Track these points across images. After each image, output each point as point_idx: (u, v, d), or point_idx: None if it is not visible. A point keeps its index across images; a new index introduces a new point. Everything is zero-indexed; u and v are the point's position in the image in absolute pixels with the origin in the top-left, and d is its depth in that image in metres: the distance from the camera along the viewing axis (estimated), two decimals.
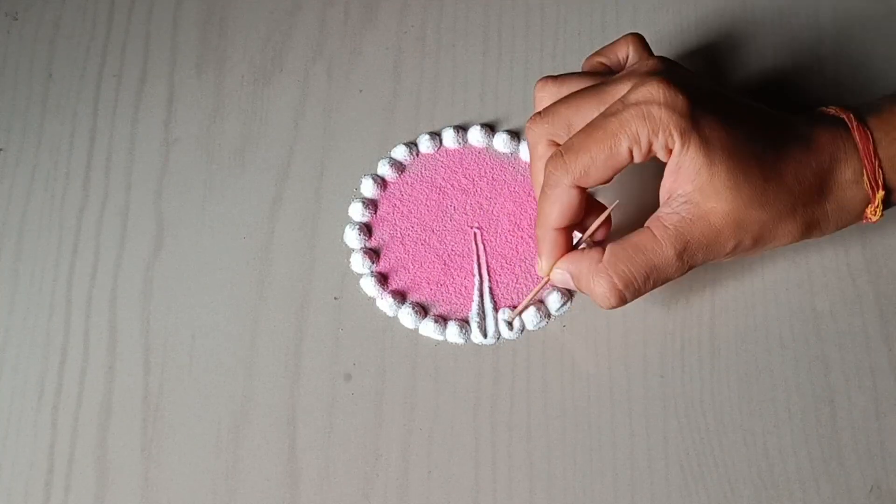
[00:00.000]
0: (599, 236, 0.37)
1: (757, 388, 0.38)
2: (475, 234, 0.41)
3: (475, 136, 0.43)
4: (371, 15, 0.45)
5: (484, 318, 0.39)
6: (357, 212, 0.41)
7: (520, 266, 0.41)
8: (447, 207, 0.42)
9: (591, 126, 0.34)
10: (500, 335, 0.39)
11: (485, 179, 0.42)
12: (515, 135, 0.43)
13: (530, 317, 0.39)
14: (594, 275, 0.34)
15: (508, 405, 0.38)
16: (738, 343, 0.39)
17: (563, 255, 0.36)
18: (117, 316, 0.40)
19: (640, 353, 0.39)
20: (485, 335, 0.39)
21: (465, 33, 0.45)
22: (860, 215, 0.36)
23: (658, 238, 0.34)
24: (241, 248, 0.41)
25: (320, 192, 0.42)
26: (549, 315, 0.39)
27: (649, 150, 0.33)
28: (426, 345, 0.39)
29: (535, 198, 0.41)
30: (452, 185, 0.42)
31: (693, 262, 0.34)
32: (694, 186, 0.33)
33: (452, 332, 0.39)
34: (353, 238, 0.41)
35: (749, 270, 0.40)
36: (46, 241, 0.41)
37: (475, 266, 0.41)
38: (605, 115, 0.33)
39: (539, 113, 0.36)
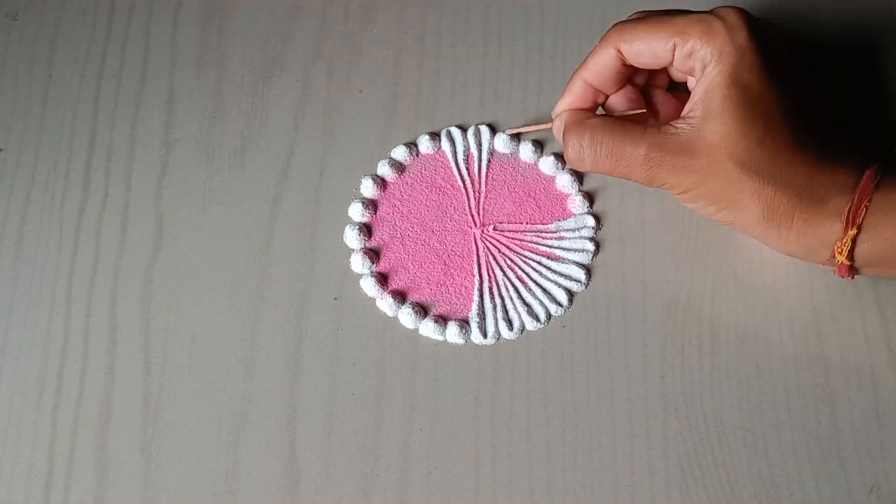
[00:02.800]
0: None
1: (757, 388, 0.38)
2: (475, 234, 0.41)
3: (475, 136, 0.43)
4: (371, 15, 0.45)
5: (484, 319, 0.39)
6: (357, 212, 0.41)
7: (521, 265, 0.41)
8: (447, 207, 0.42)
9: (660, 15, 0.36)
10: (500, 335, 0.39)
11: (485, 180, 0.42)
12: (515, 135, 0.43)
13: (529, 317, 0.39)
14: (576, 128, 0.36)
15: (508, 405, 0.38)
16: (738, 343, 0.39)
17: (576, 105, 0.38)
18: (117, 316, 0.40)
19: (640, 353, 0.39)
20: (485, 335, 0.39)
21: (465, 33, 0.45)
22: (827, 247, 0.34)
23: (644, 132, 0.35)
24: (241, 248, 0.41)
25: (320, 193, 0.42)
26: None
27: (689, 55, 0.35)
28: (426, 345, 0.39)
29: (534, 198, 0.42)
30: (452, 185, 0.42)
31: (656, 174, 0.35)
32: (703, 111, 0.34)
33: (452, 333, 0.39)
34: (353, 238, 0.41)
35: (749, 270, 0.40)
36: (46, 241, 0.41)
37: (475, 266, 0.41)
38: (677, 13, 0.36)
39: (624, 21, 0.37)
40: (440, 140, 0.43)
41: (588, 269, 0.40)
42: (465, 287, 0.40)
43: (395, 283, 0.40)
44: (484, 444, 0.37)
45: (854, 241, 0.34)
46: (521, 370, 0.39)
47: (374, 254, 0.41)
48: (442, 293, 0.40)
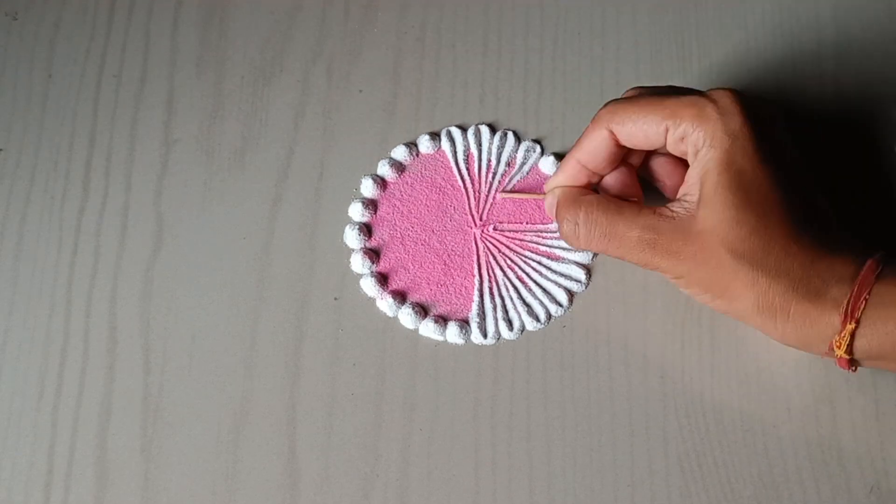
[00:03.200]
0: None
1: (757, 388, 0.38)
2: (475, 233, 0.41)
3: (475, 136, 0.43)
4: (371, 15, 0.45)
5: (484, 319, 0.39)
6: (357, 212, 0.41)
7: (521, 265, 0.41)
8: (447, 207, 0.42)
9: (652, 95, 0.35)
10: (500, 335, 0.39)
11: (485, 179, 0.42)
12: (516, 135, 0.43)
13: (529, 317, 0.39)
14: (570, 206, 0.36)
15: (508, 405, 0.38)
16: (738, 343, 0.39)
17: (569, 183, 0.37)
18: (117, 316, 0.40)
19: (641, 353, 0.39)
20: (485, 335, 0.39)
21: (465, 33, 0.45)
22: (825, 340, 0.33)
23: (638, 214, 0.34)
24: (241, 248, 0.41)
25: (320, 192, 0.42)
26: (549, 317, 0.40)
27: (682, 139, 0.34)
28: (426, 345, 0.39)
29: (534, 198, 0.42)
30: (452, 185, 0.42)
31: (649, 258, 0.34)
32: (698, 195, 0.33)
33: (452, 333, 0.39)
34: (353, 238, 0.41)
35: None
36: (46, 241, 0.41)
37: (475, 266, 0.41)
38: (670, 93, 0.35)
39: (616, 101, 0.36)
40: (440, 140, 0.43)
41: (588, 269, 0.40)
42: (465, 287, 0.40)
43: (395, 283, 0.40)
44: (484, 444, 0.37)
45: (853, 335, 0.32)
46: (521, 370, 0.39)
47: (374, 254, 0.41)
48: (442, 293, 0.40)
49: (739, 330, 0.39)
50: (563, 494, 0.37)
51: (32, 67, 0.45)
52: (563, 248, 0.41)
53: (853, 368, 0.34)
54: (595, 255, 0.40)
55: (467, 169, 0.42)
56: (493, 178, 0.42)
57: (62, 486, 0.37)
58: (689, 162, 0.34)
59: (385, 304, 0.40)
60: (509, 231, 0.41)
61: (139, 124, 0.44)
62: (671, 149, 0.35)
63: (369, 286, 0.40)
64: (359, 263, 0.40)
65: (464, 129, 0.43)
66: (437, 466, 0.37)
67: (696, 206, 0.33)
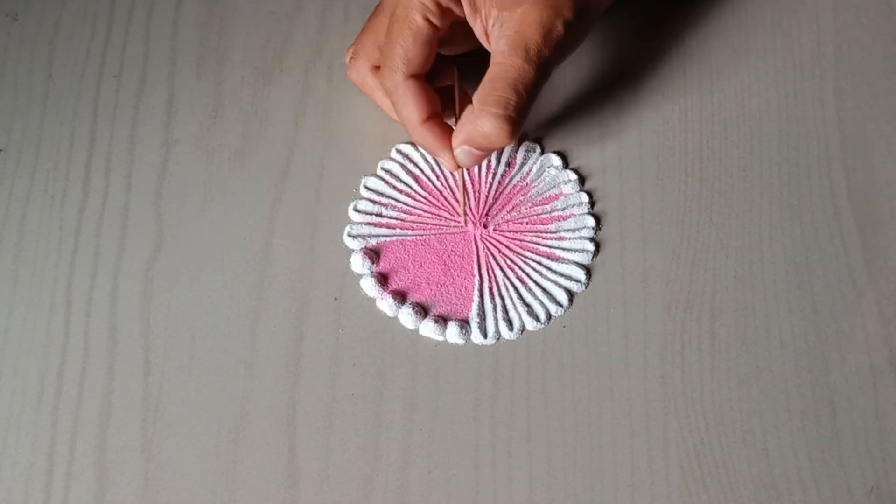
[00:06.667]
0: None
1: (757, 388, 0.38)
2: (475, 234, 0.41)
3: None
4: None
5: (484, 319, 0.39)
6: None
7: (521, 265, 0.41)
8: (447, 207, 0.42)
9: (387, 28, 0.37)
10: (500, 335, 0.39)
11: (485, 180, 0.42)
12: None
13: (529, 318, 0.39)
14: (475, 122, 0.36)
15: (508, 405, 0.38)
16: (738, 343, 0.39)
17: (449, 139, 0.37)
18: (117, 316, 0.40)
19: (640, 353, 0.39)
20: (485, 335, 0.39)
21: None
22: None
23: (502, 61, 0.36)
24: (241, 248, 0.41)
25: (320, 192, 0.42)
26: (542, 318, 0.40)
27: (440, 8, 0.36)
28: (426, 345, 0.39)
29: (531, 197, 0.42)
30: (452, 186, 0.42)
31: (542, 57, 0.36)
32: (496, 6, 0.36)
33: (452, 333, 0.39)
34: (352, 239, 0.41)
35: (749, 270, 0.40)
36: (46, 241, 0.41)
37: (475, 266, 0.41)
38: (390, 13, 0.37)
39: (350, 58, 0.40)
40: None
41: (588, 269, 0.40)
42: (465, 287, 0.40)
43: (395, 283, 0.40)
44: (484, 444, 0.37)
45: None
46: (521, 370, 0.39)
47: (374, 254, 0.41)
48: (442, 293, 0.40)
49: (739, 330, 0.39)
50: (563, 494, 0.37)
51: (32, 67, 0.45)
52: (563, 249, 0.41)
53: None
54: (595, 255, 0.40)
55: (467, 169, 0.42)
56: (493, 178, 0.42)
57: (62, 486, 0.37)
58: (457, 11, 0.37)
59: (385, 304, 0.40)
60: (509, 231, 0.41)
61: (139, 124, 0.44)
62: (442, 24, 0.37)
63: (369, 286, 0.40)
64: (359, 263, 0.40)
65: None
66: (437, 466, 0.37)
67: (504, 9, 0.36)
